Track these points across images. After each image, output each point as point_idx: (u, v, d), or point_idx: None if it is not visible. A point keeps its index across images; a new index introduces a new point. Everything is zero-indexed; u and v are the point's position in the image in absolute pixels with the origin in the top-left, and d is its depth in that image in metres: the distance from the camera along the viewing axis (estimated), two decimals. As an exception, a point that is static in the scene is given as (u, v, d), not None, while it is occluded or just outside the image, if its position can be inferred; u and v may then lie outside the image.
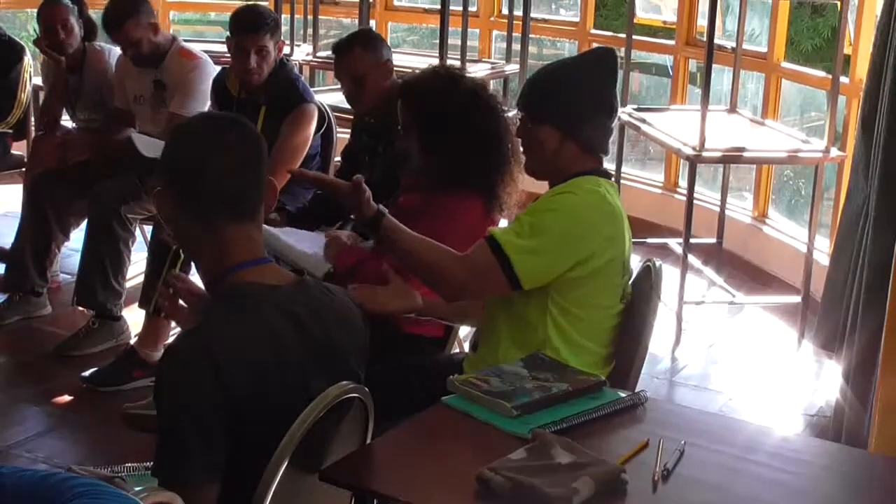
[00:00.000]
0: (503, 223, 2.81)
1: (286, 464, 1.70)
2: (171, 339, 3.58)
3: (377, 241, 2.27)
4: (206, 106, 3.92)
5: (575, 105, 2.27)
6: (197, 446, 1.65)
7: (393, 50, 3.61)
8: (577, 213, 2.23)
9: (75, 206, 4.04)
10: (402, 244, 2.23)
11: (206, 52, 4.20)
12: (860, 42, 4.37)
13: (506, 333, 2.28)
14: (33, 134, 4.87)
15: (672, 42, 5.55)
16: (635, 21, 5.21)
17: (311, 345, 1.79)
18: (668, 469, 1.77)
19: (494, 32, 6.14)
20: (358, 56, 3.39)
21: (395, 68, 3.57)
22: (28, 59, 4.64)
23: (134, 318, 3.91)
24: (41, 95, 5.34)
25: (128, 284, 3.94)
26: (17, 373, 3.73)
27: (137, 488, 1.58)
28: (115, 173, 3.90)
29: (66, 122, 4.50)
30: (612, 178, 2.38)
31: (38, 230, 4.04)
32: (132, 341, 3.75)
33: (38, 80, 5.07)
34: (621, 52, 5.30)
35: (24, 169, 4.58)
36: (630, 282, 2.37)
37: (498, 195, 2.73)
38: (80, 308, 3.95)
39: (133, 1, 3.92)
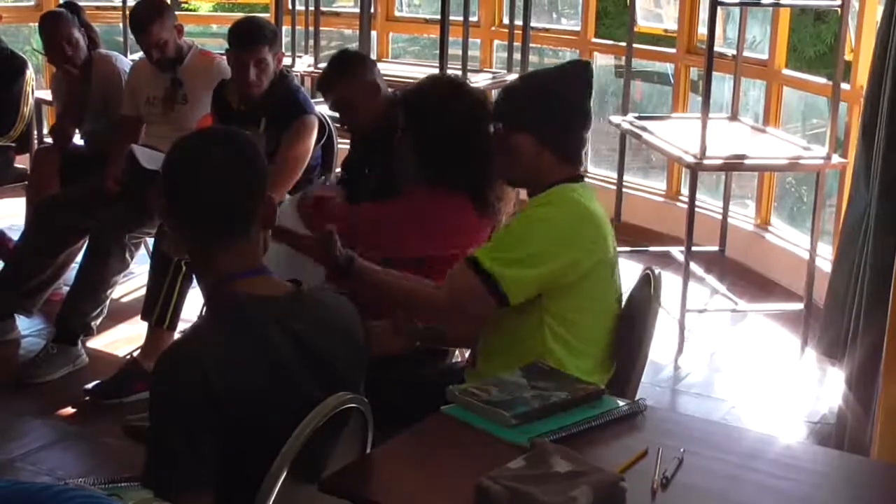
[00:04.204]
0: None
1: (285, 474, 1.70)
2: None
3: (352, 282, 2.32)
4: None
5: (551, 114, 2.29)
6: (185, 457, 1.65)
7: (394, 61, 3.63)
8: (555, 221, 2.25)
9: (79, 234, 3.99)
10: (377, 281, 2.31)
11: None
12: (861, 48, 4.37)
13: (503, 350, 2.27)
14: (36, 147, 4.89)
15: (673, 50, 5.55)
16: (636, 29, 5.21)
17: (306, 355, 1.79)
18: (667, 477, 1.77)
19: (495, 42, 6.15)
20: (342, 85, 3.40)
21: (396, 79, 3.58)
22: (30, 73, 4.66)
23: (137, 330, 3.92)
24: (44, 109, 5.37)
25: (130, 297, 3.94)
26: (20, 385, 3.72)
27: (132, 502, 1.59)
28: (121, 197, 3.90)
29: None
30: (584, 181, 2.39)
31: (33, 262, 3.98)
32: (135, 353, 3.76)
33: (41, 94, 5.08)
34: (622, 61, 5.32)
35: (26, 182, 4.59)
36: (621, 282, 2.38)
37: (486, 197, 2.74)
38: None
39: (157, 3, 4.00)
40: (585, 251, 2.25)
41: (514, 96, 2.37)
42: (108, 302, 3.85)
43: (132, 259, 3.89)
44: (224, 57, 3.98)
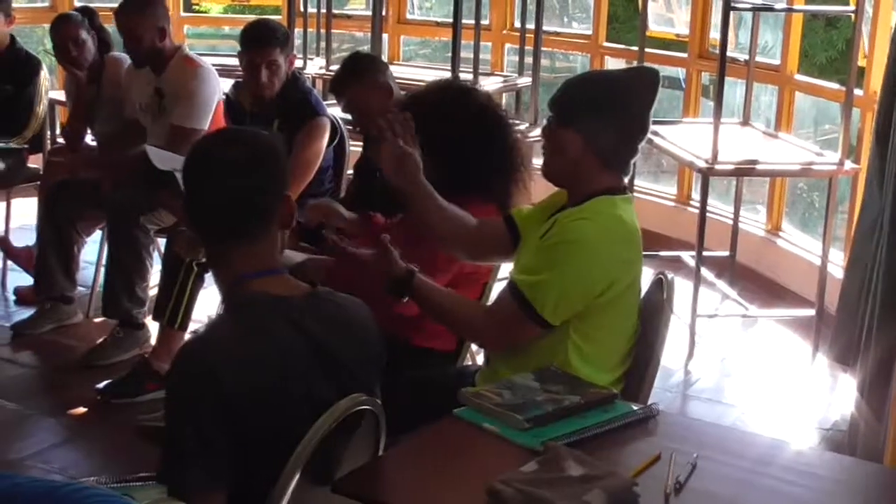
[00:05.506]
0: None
1: (298, 475, 1.71)
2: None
3: (409, 297, 2.26)
4: (210, 114, 3.91)
5: (602, 117, 2.22)
6: (198, 455, 1.66)
7: (405, 63, 3.64)
8: (594, 242, 2.18)
9: (89, 217, 4.08)
10: (432, 300, 2.26)
11: (219, 66, 4.22)
12: (874, 54, 4.36)
13: (523, 359, 2.22)
14: (49, 147, 4.91)
15: (685, 55, 5.55)
16: (648, 34, 5.21)
17: (320, 356, 1.80)
18: (681, 482, 1.76)
19: (507, 46, 6.16)
20: (354, 87, 3.41)
21: (408, 82, 3.58)
22: (45, 74, 4.67)
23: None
24: (57, 109, 5.39)
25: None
26: (33, 384, 3.74)
27: (145, 502, 1.59)
28: (128, 186, 3.92)
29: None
30: (628, 193, 2.33)
31: (57, 236, 4.07)
32: (147, 354, 3.76)
33: (54, 94, 5.10)
34: (633, 66, 5.31)
35: (39, 183, 4.61)
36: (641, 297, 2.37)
37: (510, 203, 2.74)
38: (97, 320, 3.97)
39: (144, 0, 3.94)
40: (620, 272, 2.21)
41: (570, 91, 2.27)
42: (148, 274, 3.88)
43: (153, 238, 3.92)
44: (209, 65, 3.97)
